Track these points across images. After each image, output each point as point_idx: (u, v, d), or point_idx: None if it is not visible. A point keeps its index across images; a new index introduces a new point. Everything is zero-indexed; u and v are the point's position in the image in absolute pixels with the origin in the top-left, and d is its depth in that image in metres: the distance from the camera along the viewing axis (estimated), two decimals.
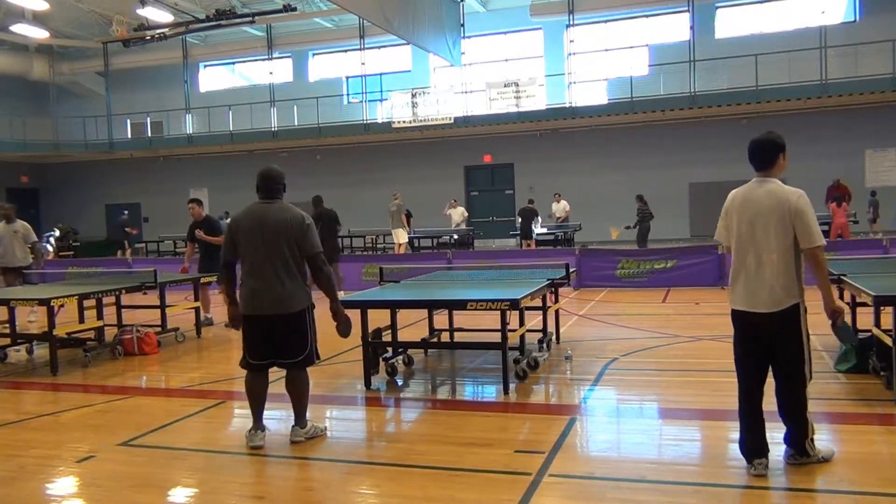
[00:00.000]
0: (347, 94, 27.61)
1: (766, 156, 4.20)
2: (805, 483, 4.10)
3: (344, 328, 5.10)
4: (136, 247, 25.05)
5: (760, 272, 4.11)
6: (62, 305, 8.48)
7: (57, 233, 24.79)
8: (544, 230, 20.14)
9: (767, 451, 4.16)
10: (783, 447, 4.25)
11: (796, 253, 4.08)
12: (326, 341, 8.79)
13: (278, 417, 5.60)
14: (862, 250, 12.28)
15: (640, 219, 18.06)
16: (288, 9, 22.00)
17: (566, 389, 6.55)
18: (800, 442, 4.18)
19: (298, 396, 5.09)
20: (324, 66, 28.39)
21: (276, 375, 5.19)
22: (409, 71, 26.90)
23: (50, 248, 23.43)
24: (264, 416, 5.17)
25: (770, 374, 4.24)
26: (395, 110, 24.78)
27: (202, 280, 10.33)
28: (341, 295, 5.80)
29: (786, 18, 22.92)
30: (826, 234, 16.56)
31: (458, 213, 22.19)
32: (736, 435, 4.32)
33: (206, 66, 29.81)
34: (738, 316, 4.25)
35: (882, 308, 5.88)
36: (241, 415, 5.74)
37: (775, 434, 4.24)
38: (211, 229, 10.53)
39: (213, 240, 10.27)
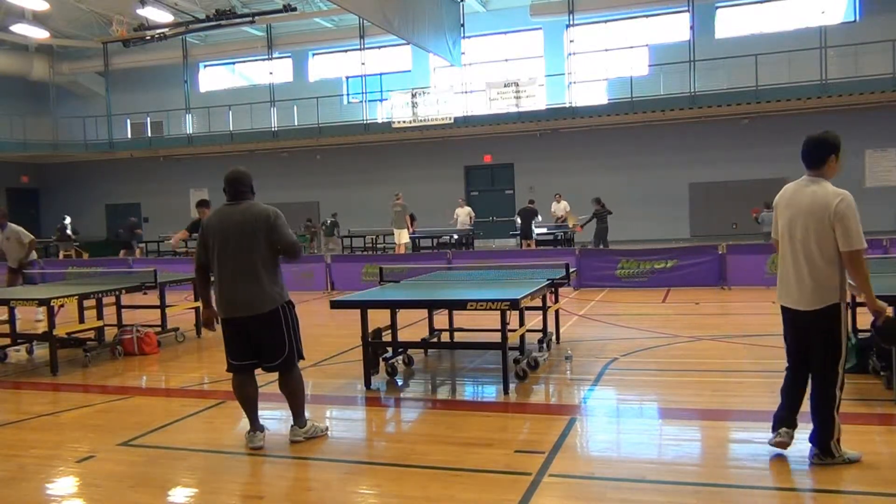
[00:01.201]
0: (347, 94, 27.61)
1: (816, 154, 4.16)
2: (805, 483, 4.11)
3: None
4: (136, 247, 25.03)
5: (799, 271, 4.15)
6: (62, 305, 8.48)
7: (68, 219, 24.56)
8: (543, 230, 20.13)
9: (795, 425, 4.32)
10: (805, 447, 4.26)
11: (839, 254, 4.04)
12: (326, 341, 8.85)
13: (278, 417, 5.60)
14: None
15: (597, 219, 18.76)
16: (288, 9, 22.00)
17: (566, 389, 6.55)
18: (825, 442, 4.19)
19: (292, 396, 5.08)
20: (324, 66, 28.40)
21: (272, 376, 5.20)
22: (409, 71, 26.90)
23: (73, 235, 23.32)
24: (263, 417, 5.18)
25: None
26: (395, 110, 24.79)
27: None
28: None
29: (786, 18, 22.92)
30: None
31: (465, 214, 22.16)
32: (736, 435, 4.45)
33: (206, 66, 29.82)
34: (782, 309, 4.36)
35: None
36: (241, 415, 5.73)
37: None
38: None
39: None
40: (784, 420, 4.36)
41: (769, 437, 4.43)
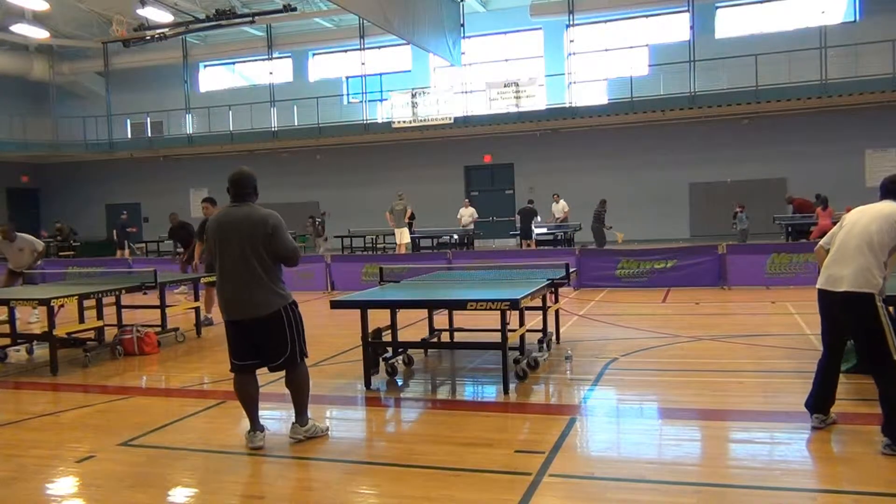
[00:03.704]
0: (347, 94, 27.61)
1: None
2: (805, 483, 4.12)
3: None
4: (136, 246, 25.04)
5: (854, 256, 4.57)
6: (62, 305, 8.47)
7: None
8: (544, 230, 20.13)
9: (827, 410, 4.86)
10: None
11: (888, 256, 4.57)
12: (326, 341, 8.84)
13: (278, 417, 5.61)
14: None
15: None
16: (288, 9, 21.99)
17: (566, 389, 6.55)
18: (894, 430, 4.37)
19: (297, 392, 5.10)
20: (324, 66, 28.40)
21: (277, 375, 5.20)
22: (409, 71, 26.90)
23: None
24: (263, 417, 5.18)
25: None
26: (395, 110, 24.78)
27: (205, 280, 10.31)
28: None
29: (786, 18, 22.92)
30: (808, 234, 16.67)
31: (468, 214, 22.18)
32: (736, 435, 4.50)
33: (206, 66, 29.81)
34: (824, 295, 4.76)
35: None
36: (241, 415, 5.73)
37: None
38: None
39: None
40: (818, 406, 4.87)
41: (768, 436, 4.56)
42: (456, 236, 21.29)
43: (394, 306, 7.00)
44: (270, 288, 4.86)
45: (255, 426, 5.04)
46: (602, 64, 24.66)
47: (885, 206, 4.65)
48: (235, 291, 4.85)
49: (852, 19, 22.53)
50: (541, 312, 7.57)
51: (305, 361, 5.12)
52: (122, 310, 9.88)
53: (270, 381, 5.67)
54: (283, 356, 4.94)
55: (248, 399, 5.05)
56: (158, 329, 9.24)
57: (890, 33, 20.66)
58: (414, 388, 6.81)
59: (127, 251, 22.20)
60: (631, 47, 24.53)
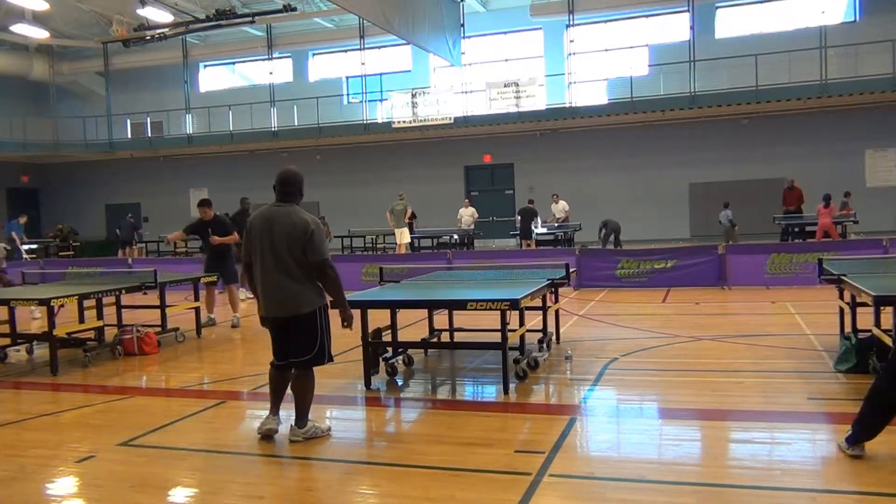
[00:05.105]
0: (347, 94, 27.60)
1: None
2: (805, 483, 4.11)
3: (348, 324, 5.25)
4: (136, 247, 25.04)
5: None
6: (62, 305, 8.47)
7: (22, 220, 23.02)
8: (544, 230, 20.13)
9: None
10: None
11: None
12: None
13: (279, 417, 5.60)
14: (862, 250, 12.28)
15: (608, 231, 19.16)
16: (288, 9, 21.98)
17: (566, 389, 6.55)
18: None
19: (301, 396, 5.13)
20: (324, 66, 28.39)
21: None
22: (409, 71, 26.89)
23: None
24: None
25: None
26: (395, 110, 24.77)
27: (205, 280, 10.32)
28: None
29: (786, 18, 22.91)
30: (811, 234, 16.65)
31: (469, 214, 22.18)
32: (736, 435, 4.44)
33: (206, 66, 29.80)
34: None
35: (882, 308, 5.88)
36: (241, 415, 5.74)
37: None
38: (222, 229, 10.48)
39: (226, 240, 10.33)
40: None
41: (768, 436, 4.47)
42: (456, 236, 21.28)
43: (394, 306, 6.99)
44: (308, 287, 4.96)
45: (274, 412, 5.16)
46: (602, 64, 24.65)
47: None
48: (276, 289, 4.93)
49: (852, 19, 22.52)
50: (541, 312, 7.57)
51: (327, 365, 5.24)
52: (122, 310, 9.88)
53: None
54: (309, 354, 5.02)
55: (278, 387, 5.20)
56: (158, 329, 9.25)
57: (890, 33, 20.67)
58: (414, 388, 6.81)
59: (135, 250, 22.13)
60: (631, 47, 24.52)
